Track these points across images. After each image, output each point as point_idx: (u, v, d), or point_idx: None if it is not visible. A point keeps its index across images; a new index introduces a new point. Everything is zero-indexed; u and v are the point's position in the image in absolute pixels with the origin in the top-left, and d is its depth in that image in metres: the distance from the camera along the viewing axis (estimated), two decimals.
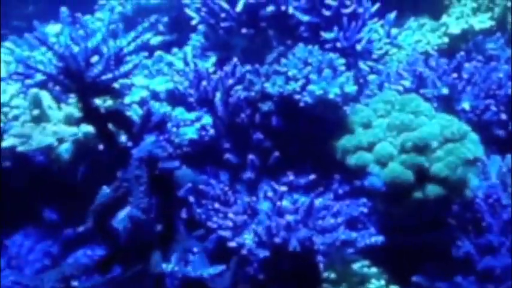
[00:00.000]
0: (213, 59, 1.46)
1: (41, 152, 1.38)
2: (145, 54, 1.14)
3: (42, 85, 1.53)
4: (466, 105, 1.47)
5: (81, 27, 1.03)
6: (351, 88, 1.25)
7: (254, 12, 1.51)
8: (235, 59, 1.34)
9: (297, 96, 1.27)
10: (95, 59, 1.01)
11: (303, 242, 1.06)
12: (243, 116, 1.32)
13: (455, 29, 1.87)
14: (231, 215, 1.14)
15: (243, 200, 1.22)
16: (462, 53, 1.51)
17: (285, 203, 1.16)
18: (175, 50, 1.70)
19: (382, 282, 1.16)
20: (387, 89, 1.43)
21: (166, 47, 1.81)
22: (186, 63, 1.40)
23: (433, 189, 1.11)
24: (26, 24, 2.56)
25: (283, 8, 1.47)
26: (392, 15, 1.57)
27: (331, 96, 1.23)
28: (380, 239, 1.09)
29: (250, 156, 1.29)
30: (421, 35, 1.97)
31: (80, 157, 1.40)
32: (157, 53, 1.64)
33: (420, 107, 1.22)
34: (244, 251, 1.10)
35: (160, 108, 1.40)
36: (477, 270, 1.12)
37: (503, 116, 1.46)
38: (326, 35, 1.42)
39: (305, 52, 1.35)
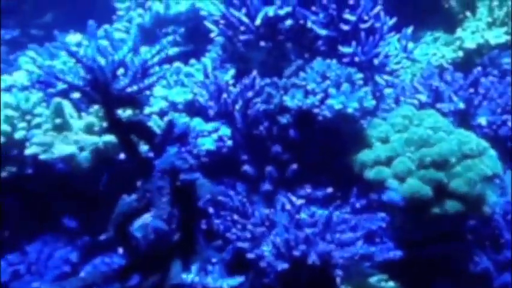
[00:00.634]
0: (232, 71, 1.48)
1: (61, 160, 1.41)
2: (168, 67, 1.16)
3: (63, 94, 1.57)
4: (482, 120, 1.47)
5: (107, 39, 1.06)
6: (370, 103, 1.26)
7: (272, 26, 1.53)
8: (254, 72, 1.36)
9: (316, 110, 1.28)
10: (120, 71, 1.04)
11: (321, 256, 1.07)
12: (261, 129, 1.33)
13: (471, 43, 1.88)
14: (249, 227, 1.15)
15: (261, 212, 1.23)
16: (479, 68, 1.52)
17: (303, 215, 1.17)
18: (193, 61, 1.73)
19: None
20: (404, 104, 1.44)
21: (183, 57, 1.84)
22: (206, 75, 1.42)
23: (451, 205, 1.12)
24: (43, 33, 2.62)
25: (301, 22, 1.49)
26: (409, 30, 1.58)
27: (349, 110, 1.24)
28: (398, 253, 1.09)
29: (268, 168, 1.30)
30: (435, 49, 1.99)
31: (99, 166, 1.43)
32: (175, 63, 1.67)
33: (438, 123, 1.23)
34: (262, 263, 1.11)
35: (180, 119, 1.43)
36: (494, 286, 1.12)
37: None
38: (344, 49, 1.43)
39: (323, 66, 1.37)
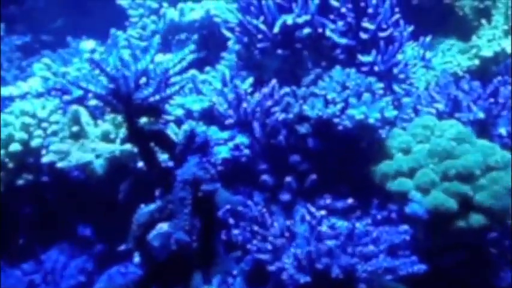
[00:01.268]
0: (250, 79, 1.47)
1: (76, 167, 1.40)
2: (189, 76, 1.15)
3: (79, 101, 1.56)
4: (502, 131, 1.46)
5: (129, 48, 1.05)
6: (391, 113, 1.25)
7: (289, 33, 1.52)
8: (274, 81, 1.35)
9: (336, 120, 1.27)
10: (143, 80, 1.03)
11: (344, 269, 1.05)
12: (280, 138, 1.32)
13: (488, 51, 1.86)
14: (270, 238, 1.14)
15: (280, 222, 1.21)
16: (499, 77, 1.50)
17: (324, 227, 1.16)
18: (207, 68, 1.72)
19: None
20: (424, 114, 1.42)
21: (196, 64, 1.83)
22: (225, 84, 1.41)
23: (476, 219, 1.10)
24: (54, 38, 2.62)
25: (319, 30, 1.48)
26: (428, 39, 1.57)
27: (371, 121, 1.23)
28: (423, 267, 1.07)
29: (287, 178, 1.29)
30: (450, 57, 1.97)
31: (115, 173, 1.42)
32: (191, 70, 1.66)
33: (461, 134, 1.21)
34: (284, 276, 1.09)
35: (198, 127, 1.42)
36: None
37: None
38: (364, 58, 1.42)
39: (343, 75, 1.36)
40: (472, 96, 1.55)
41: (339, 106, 1.27)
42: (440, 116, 1.52)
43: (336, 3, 1.47)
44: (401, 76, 1.49)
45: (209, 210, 1.14)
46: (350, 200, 1.25)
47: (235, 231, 1.19)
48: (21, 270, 1.33)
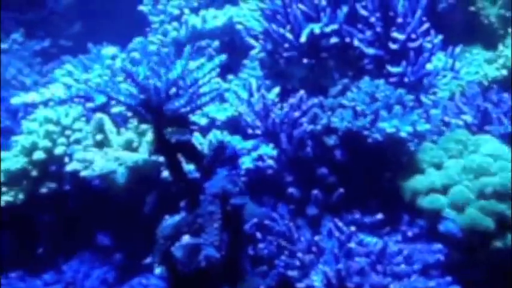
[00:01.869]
0: (276, 89, 1.44)
1: (97, 176, 1.38)
2: (217, 86, 1.13)
3: (102, 108, 1.55)
4: None
5: (159, 58, 1.03)
6: (423, 127, 1.21)
7: (315, 42, 1.49)
8: (301, 92, 1.32)
9: (366, 132, 1.24)
10: (172, 90, 1.01)
11: None
12: (307, 150, 1.29)
13: None
14: (298, 254, 1.11)
15: (307, 237, 1.18)
16: None
17: (353, 244, 1.12)
18: (230, 76, 1.69)
19: None
20: (455, 127, 1.38)
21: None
22: (251, 94, 1.38)
23: None
24: (73, 43, 2.62)
25: (347, 39, 1.45)
26: (457, 49, 1.53)
27: (403, 134, 1.19)
28: None
29: (314, 192, 1.26)
30: (477, 67, 1.92)
31: (137, 183, 1.40)
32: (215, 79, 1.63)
33: (497, 150, 1.17)
34: None
35: (222, 137, 1.39)
36: None
37: None
38: (393, 69, 1.39)
39: (372, 86, 1.33)
40: (502, 108, 1.51)
41: (369, 118, 1.24)
42: (468, 128, 1.49)
43: (364, 13, 1.44)
44: (431, 87, 1.45)
45: (236, 223, 1.11)
46: (379, 216, 1.21)
47: (261, 245, 1.16)
48: (42, 280, 1.31)
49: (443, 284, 1.05)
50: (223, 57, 1.08)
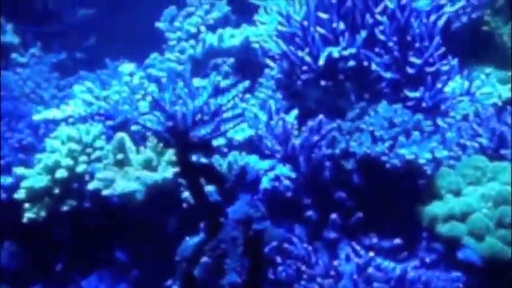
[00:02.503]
0: (295, 112, 1.46)
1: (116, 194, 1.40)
2: (242, 111, 1.15)
3: (122, 127, 1.57)
4: None
5: (184, 84, 1.06)
6: (442, 153, 1.22)
7: (332, 64, 1.51)
8: (321, 116, 1.34)
9: (384, 158, 1.25)
10: (198, 117, 1.03)
11: None
12: (325, 173, 1.31)
13: None
14: (318, 279, 1.12)
15: (325, 261, 1.19)
16: None
17: (371, 269, 1.13)
18: (247, 95, 1.71)
19: None
20: (472, 151, 1.39)
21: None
22: (270, 117, 1.40)
23: None
24: (88, 56, 2.66)
25: (365, 63, 1.47)
26: (474, 73, 1.55)
27: (421, 161, 1.21)
28: None
29: (333, 216, 1.27)
30: (491, 87, 1.93)
31: (156, 202, 1.42)
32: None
33: None
34: None
35: (240, 158, 1.41)
36: None
37: None
38: (411, 94, 1.40)
39: (390, 111, 1.34)
40: None
41: (388, 144, 1.25)
42: (483, 151, 1.49)
43: (382, 37, 1.46)
44: (448, 112, 1.47)
45: (257, 247, 1.12)
46: (397, 240, 1.22)
47: (280, 269, 1.17)
48: None
49: None
50: (247, 83, 1.10)
